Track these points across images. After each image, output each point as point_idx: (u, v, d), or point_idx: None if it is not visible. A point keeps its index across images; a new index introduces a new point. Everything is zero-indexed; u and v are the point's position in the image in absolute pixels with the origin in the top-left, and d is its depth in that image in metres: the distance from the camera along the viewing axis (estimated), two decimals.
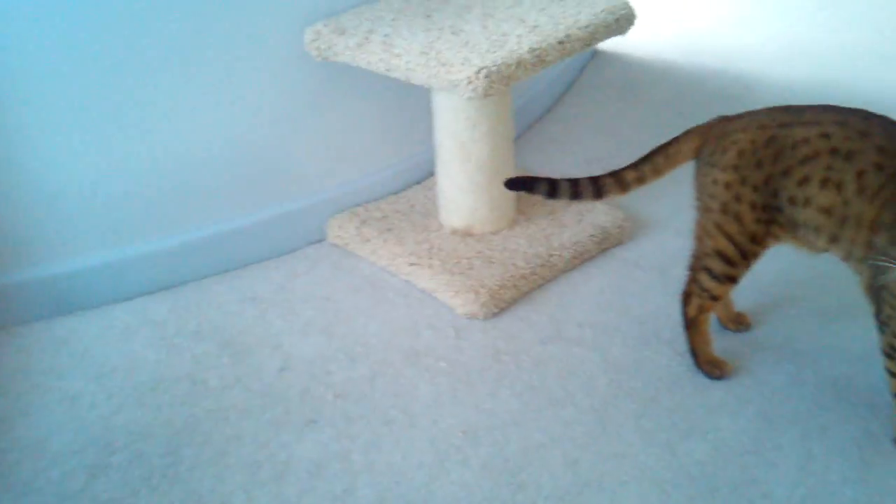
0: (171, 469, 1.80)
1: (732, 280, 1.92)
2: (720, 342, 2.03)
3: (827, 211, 1.74)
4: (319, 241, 2.51)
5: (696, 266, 1.95)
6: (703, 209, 1.90)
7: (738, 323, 2.13)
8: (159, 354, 2.11)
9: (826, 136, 1.73)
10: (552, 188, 2.01)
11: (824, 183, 1.73)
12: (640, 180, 1.97)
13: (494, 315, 2.19)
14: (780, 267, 2.29)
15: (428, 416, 1.91)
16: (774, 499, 1.69)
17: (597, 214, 2.45)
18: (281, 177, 2.42)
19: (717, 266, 1.90)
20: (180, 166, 2.25)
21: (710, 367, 1.98)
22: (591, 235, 2.39)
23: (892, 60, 3.52)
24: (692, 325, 1.99)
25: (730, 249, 1.88)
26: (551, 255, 2.31)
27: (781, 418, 1.86)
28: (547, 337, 2.12)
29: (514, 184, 2.09)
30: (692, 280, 1.96)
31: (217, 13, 2.14)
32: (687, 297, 1.98)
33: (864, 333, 2.05)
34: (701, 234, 1.92)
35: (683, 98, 3.27)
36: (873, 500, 1.68)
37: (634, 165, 1.97)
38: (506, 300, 2.21)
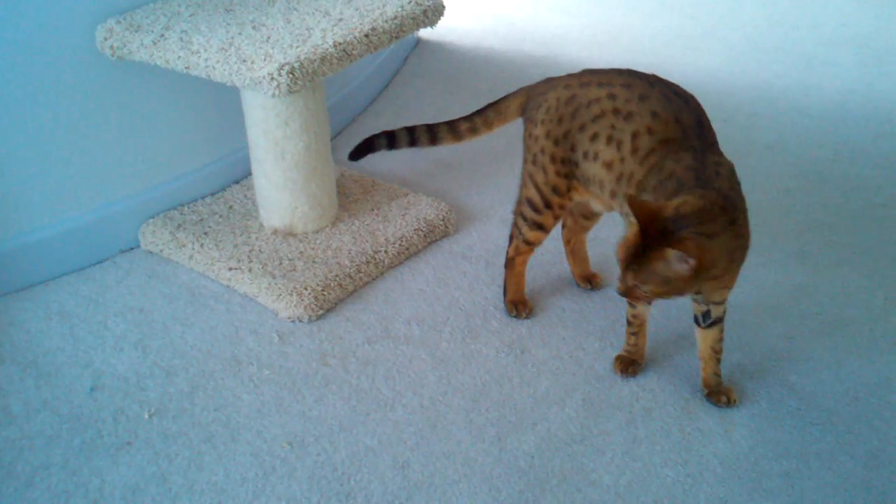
0: None
1: (541, 227, 2.03)
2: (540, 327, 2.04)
3: (608, 166, 1.83)
4: (132, 248, 2.37)
5: (516, 211, 2.07)
6: (523, 160, 2.01)
7: (590, 282, 2.23)
8: None
9: (612, 96, 1.83)
10: (391, 140, 2.17)
11: (608, 140, 1.83)
12: (473, 131, 2.12)
13: (320, 317, 2.13)
14: (602, 251, 2.33)
15: (251, 428, 1.83)
16: (602, 486, 1.70)
17: (421, 207, 2.42)
18: (85, 182, 2.27)
19: (528, 213, 2.02)
20: None
21: (513, 305, 2.13)
22: (417, 229, 2.35)
23: (703, 44, 3.64)
24: (509, 265, 2.12)
25: (536, 198, 1.99)
26: (377, 252, 2.27)
27: (607, 404, 1.87)
28: (374, 336, 2.07)
29: (357, 152, 2.21)
30: (514, 224, 2.09)
31: None
32: (510, 239, 2.11)
33: (680, 311, 2.10)
34: (520, 183, 2.04)
35: (507, 85, 3.21)
36: (696, 480, 1.71)
37: (468, 117, 2.12)
38: (331, 301, 2.15)
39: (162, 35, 2.02)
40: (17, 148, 2.12)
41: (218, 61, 1.93)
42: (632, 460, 1.75)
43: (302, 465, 1.74)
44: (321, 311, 2.13)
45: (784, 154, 2.81)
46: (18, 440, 1.80)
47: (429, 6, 2.19)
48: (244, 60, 1.91)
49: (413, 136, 2.15)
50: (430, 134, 2.14)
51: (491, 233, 2.43)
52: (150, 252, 2.35)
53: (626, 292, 1.67)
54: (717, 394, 1.87)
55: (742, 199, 1.71)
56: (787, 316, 2.11)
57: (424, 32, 3.61)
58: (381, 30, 2.07)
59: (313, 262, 2.22)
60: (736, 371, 1.95)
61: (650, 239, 1.57)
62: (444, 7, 2.24)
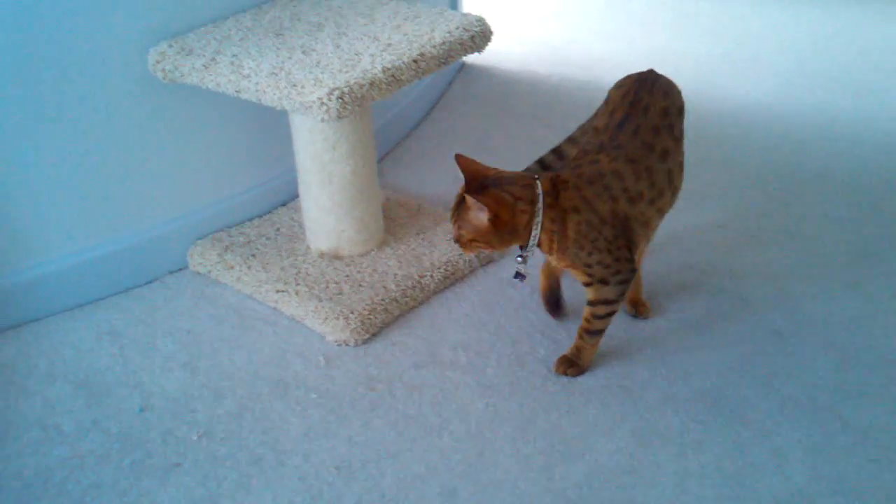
0: None
1: None
2: (600, 356, 2.02)
3: None
4: (181, 269, 2.39)
5: None
6: None
7: (636, 308, 2.20)
8: (7, 400, 1.97)
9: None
10: None
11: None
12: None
13: (366, 341, 2.12)
14: (649, 278, 2.31)
15: (299, 451, 1.83)
16: None
17: None
18: (136, 203, 2.29)
19: None
20: (22, 198, 2.10)
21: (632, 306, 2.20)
22: (462, 254, 2.35)
23: (750, 70, 3.61)
24: None
25: None
26: (422, 276, 2.26)
27: (656, 435, 1.85)
28: (421, 361, 2.07)
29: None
30: None
31: (55, 34, 2.00)
32: None
33: (733, 345, 2.08)
34: None
35: (551, 109, 3.27)
36: None
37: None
38: (377, 325, 2.15)
39: (213, 59, 2.03)
40: (68, 168, 2.14)
41: (268, 85, 1.94)
42: (682, 494, 1.72)
43: (349, 490, 1.74)
44: (367, 336, 2.13)
45: (834, 182, 2.77)
46: (69, 459, 1.81)
47: (477, 32, 2.19)
48: (294, 85, 1.92)
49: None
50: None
51: (537, 258, 2.41)
52: (199, 273, 2.37)
53: (456, 239, 1.87)
54: (562, 363, 2.02)
55: (590, 191, 1.84)
56: (841, 348, 2.08)
57: (470, 57, 3.62)
58: (429, 55, 2.07)
59: (359, 285, 2.22)
60: (788, 403, 1.92)
61: (468, 191, 1.79)
62: (491, 33, 2.24)
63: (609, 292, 1.91)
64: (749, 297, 2.25)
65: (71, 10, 2.00)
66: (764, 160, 2.91)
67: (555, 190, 1.83)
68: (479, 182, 1.81)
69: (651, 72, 2.01)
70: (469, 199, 1.76)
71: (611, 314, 1.95)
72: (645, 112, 1.91)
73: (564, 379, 1.99)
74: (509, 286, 2.31)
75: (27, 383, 2.01)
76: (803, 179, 2.79)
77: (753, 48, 3.81)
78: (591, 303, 1.94)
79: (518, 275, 1.96)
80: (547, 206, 1.82)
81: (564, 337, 2.12)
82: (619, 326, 2.15)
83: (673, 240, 2.46)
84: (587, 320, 1.96)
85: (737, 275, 2.34)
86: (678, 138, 1.98)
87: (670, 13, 4.20)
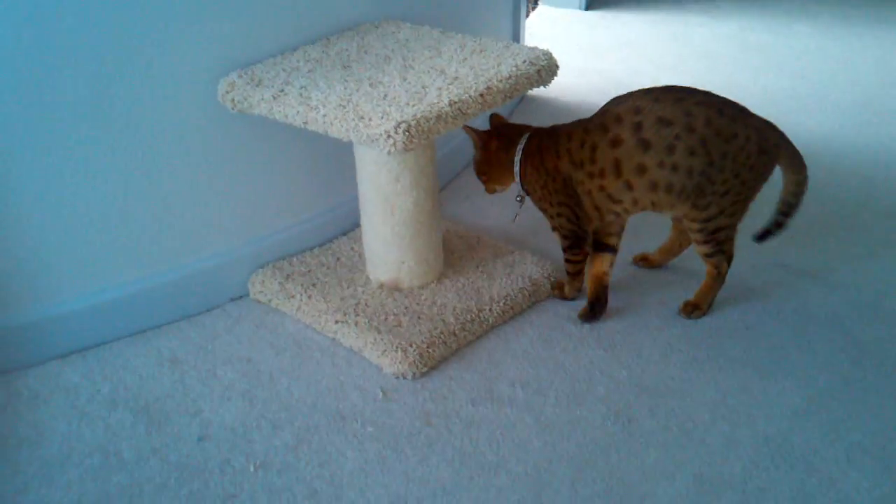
0: None
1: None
2: (650, 398, 1.99)
3: None
4: (241, 297, 2.41)
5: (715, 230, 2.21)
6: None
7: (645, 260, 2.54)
8: (70, 424, 1.99)
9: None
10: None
11: None
12: None
13: (423, 374, 2.12)
14: (708, 318, 2.28)
15: (355, 486, 1.82)
16: None
17: (526, 266, 2.41)
18: (199, 231, 2.32)
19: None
20: (90, 223, 2.14)
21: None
22: (522, 288, 2.33)
23: (814, 105, 3.56)
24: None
25: None
26: (481, 310, 2.25)
27: (719, 481, 1.81)
28: (478, 397, 2.05)
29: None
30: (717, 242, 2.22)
31: (125, 63, 2.03)
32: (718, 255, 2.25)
33: (799, 389, 2.04)
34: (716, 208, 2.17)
35: None
36: None
37: None
38: (435, 358, 2.14)
39: (282, 90, 2.05)
40: (135, 195, 2.17)
41: (336, 117, 1.96)
42: None
43: None
44: (425, 369, 2.12)
45: None
46: (129, 486, 1.82)
47: (543, 66, 2.18)
48: (362, 117, 1.93)
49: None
50: None
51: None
52: (259, 301, 2.39)
53: (477, 176, 2.32)
54: (554, 288, 2.40)
55: (546, 141, 2.22)
56: None
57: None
58: (495, 89, 2.07)
59: (418, 318, 2.22)
60: (856, 451, 1.87)
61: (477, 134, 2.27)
62: (557, 67, 2.23)
63: (563, 242, 2.27)
64: (815, 340, 2.20)
65: (144, 40, 2.03)
66: (830, 197, 2.86)
67: (534, 137, 2.23)
68: (493, 129, 2.29)
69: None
70: (465, 128, 2.19)
71: (570, 261, 2.31)
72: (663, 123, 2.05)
73: (624, 420, 1.96)
74: (568, 322, 2.29)
75: (89, 408, 2.04)
76: (871, 217, 2.74)
77: (818, 83, 3.76)
78: (562, 249, 2.30)
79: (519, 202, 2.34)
80: (523, 151, 2.22)
81: (624, 375, 2.10)
82: (679, 366, 2.12)
83: (735, 278, 2.42)
84: (565, 261, 2.33)
85: (801, 317, 2.30)
86: (675, 168, 2.07)
87: (734, 47, 4.17)
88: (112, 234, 2.17)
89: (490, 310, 2.27)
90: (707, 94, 2.08)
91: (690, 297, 2.31)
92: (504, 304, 2.29)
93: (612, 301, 2.32)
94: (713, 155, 2.05)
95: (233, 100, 2.11)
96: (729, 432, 1.93)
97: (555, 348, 2.21)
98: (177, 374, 2.14)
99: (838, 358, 2.14)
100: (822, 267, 2.50)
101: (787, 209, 2.21)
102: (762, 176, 2.13)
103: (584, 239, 2.24)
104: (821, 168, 3.05)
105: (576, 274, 2.33)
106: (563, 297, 2.38)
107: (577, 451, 1.90)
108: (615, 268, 2.32)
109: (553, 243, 2.44)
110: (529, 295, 2.34)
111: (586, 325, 2.27)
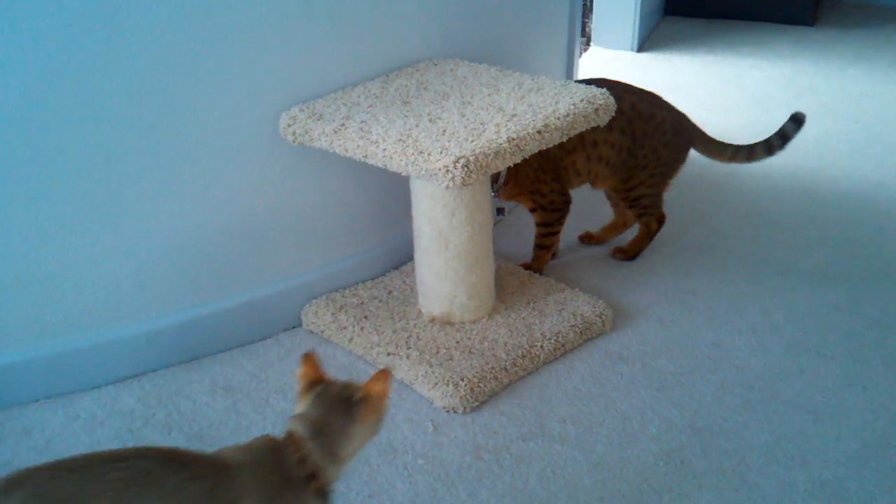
0: None
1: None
2: (704, 439, 1.97)
3: None
4: (295, 327, 2.44)
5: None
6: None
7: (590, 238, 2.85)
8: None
9: None
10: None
11: None
12: None
13: (474, 409, 2.12)
14: (763, 360, 2.26)
15: None
16: None
17: (578, 303, 2.41)
18: (255, 261, 2.35)
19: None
20: (150, 252, 2.18)
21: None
22: (573, 325, 2.33)
23: (868, 150, 3.54)
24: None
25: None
26: (532, 346, 2.26)
27: None
28: (529, 433, 2.05)
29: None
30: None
31: (190, 96, 2.09)
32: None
33: (855, 433, 2.01)
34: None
35: None
36: None
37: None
38: (486, 393, 2.15)
39: (342, 124, 2.09)
40: (194, 225, 2.22)
41: (395, 152, 1.98)
42: None
43: None
44: (476, 403, 2.13)
45: None
46: None
47: (601, 105, 2.20)
48: (421, 152, 1.96)
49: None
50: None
51: (648, 333, 2.39)
52: (311, 332, 2.41)
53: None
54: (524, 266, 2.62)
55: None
56: None
57: None
58: (553, 126, 2.09)
59: (469, 352, 2.23)
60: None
61: None
62: (615, 106, 2.25)
63: (551, 216, 2.56)
64: (871, 385, 2.18)
65: (208, 72, 2.08)
66: (886, 243, 2.83)
67: None
68: None
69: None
70: None
71: (552, 234, 2.59)
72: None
73: (676, 461, 1.95)
74: (620, 361, 2.29)
75: (144, 432, 2.07)
76: None
77: (872, 127, 3.74)
78: (537, 225, 2.58)
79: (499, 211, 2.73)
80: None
81: (676, 416, 2.08)
82: (732, 408, 2.10)
83: (790, 321, 2.40)
84: (536, 237, 2.60)
85: (858, 360, 2.27)
86: (612, 145, 2.52)
87: (787, 90, 4.15)
88: (169, 262, 2.22)
89: (541, 346, 2.27)
90: (629, 85, 2.54)
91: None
92: (555, 340, 2.29)
93: (662, 339, 2.31)
94: (636, 133, 2.51)
95: (294, 133, 2.15)
96: (783, 476, 1.91)
97: (606, 386, 2.20)
98: (230, 402, 2.16)
99: (895, 402, 2.11)
100: (877, 311, 2.47)
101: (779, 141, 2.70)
102: (678, 154, 2.62)
103: (569, 203, 2.59)
104: (875, 212, 3.03)
105: (550, 245, 2.63)
106: (539, 271, 2.61)
107: (628, 490, 1.88)
108: (668, 305, 2.31)
109: (610, 280, 2.45)
110: (581, 332, 2.34)
111: (638, 365, 2.26)
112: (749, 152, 2.69)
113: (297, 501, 1.35)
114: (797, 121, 2.67)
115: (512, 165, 2.08)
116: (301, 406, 1.45)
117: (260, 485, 1.34)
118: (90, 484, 1.25)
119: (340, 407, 1.43)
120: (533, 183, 2.52)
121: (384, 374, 1.48)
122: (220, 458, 1.37)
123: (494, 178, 2.42)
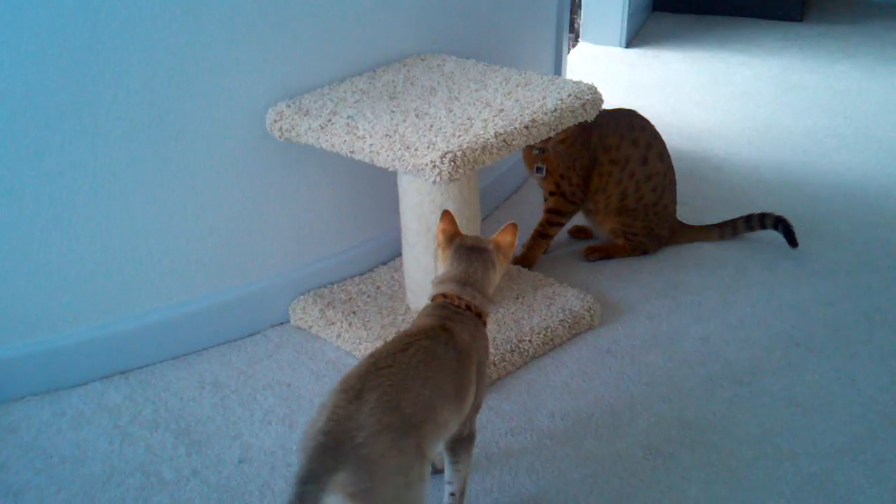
0: None
1: None
2: (698, 431, 1.97)
3: None
4: (282, 323, 2.43)
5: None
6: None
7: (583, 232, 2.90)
8: (112, 444, 2.01)
9: None
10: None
11: None
12: None
13: None
14: (751, 354, 2.26)
15: None
16: None
17: (567, 298, 2.41)
18: (242, 257, 2.35)
19: None
20: (136, 248, 2.17)
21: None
22: (562, 320, 2.33)
23: (857, 144, 3.55)
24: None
25: None
26: (521, 341, 2.26)
27: None
28: (517, 427, 2.05)
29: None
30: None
31: (175, 92, 2.08)
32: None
33: (842, 427, 2.01)
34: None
35: None
36: None
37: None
38: None
39: (329, 120, 2.08)
40: (182, 221, 2.21)
41: (382, 147, 1.98)
42: None
43: None
44: None
45: None
46: None
47: (588, 99, 2.20)
48: (408, 147, 1.96)
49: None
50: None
51: (636, 328, 2.39)
52: (299, 328, 2.40)
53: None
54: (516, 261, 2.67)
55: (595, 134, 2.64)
56: None
57: None
58: (540, 122, 2.09)
59: None
60: None
61: None
62: (602, 101, 2.25)
63: (566, 206, 2.64)
64: (858, 378, 2.18)
65: (194, 68, 2.08)
66: (874, 236, 2.84)
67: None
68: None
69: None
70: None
71: (558, 225, 2.68)
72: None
73: (665, 454, 1.95)
74: (608, 355, 2.29)
75: (131, 429, 2.06)
76: None
77: (860, 122, 3.75)
78: (547, 212, 2.66)
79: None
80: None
81: (665, 410, 2.08)
82: (723, 402, 2.11)
83: (778, 315, 2.41)
84: (542, 225, 2.68)
85: (845, 354, 2.27)
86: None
87: (775, 86, 4.17)
88: (156, 258, 2.21)
89: (530, 341, 2.27)
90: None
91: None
92: (544, 335, 2.29)
93: (651, 334, 2.32)
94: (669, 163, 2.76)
95: (280, 128, 2.14)
96: (771, 469, 1.91)
97: (594, 381, 2.20)
98: (218, 398, 2.15)
99: (883, 397, 2.12)
100: (865, 304, 2.48)
101: None
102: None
103: (579, 207, 2.69)
104: (863, 206, 3.03)
105: (550, 238, 2.71)
106: (530, 265, 2.65)
107: (617, 484, 1.88)
108: (656, 300, 2.31)
109: (598, 275, 2.46)
110: (569, 327, 2.34)
111: (626, 359, 2.27)
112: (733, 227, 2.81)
113: (480, 329, 1.72)
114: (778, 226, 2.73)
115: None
116: (443, 262, 1.77)
117: (469, 325, 1.68)
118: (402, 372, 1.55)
119: (479, 258, 1.74)
120: (567, 169, 2.60)
121: (513, 226, 1.79)
122: (437, 325, 1.66)
123: (546, 141, 2.47)
